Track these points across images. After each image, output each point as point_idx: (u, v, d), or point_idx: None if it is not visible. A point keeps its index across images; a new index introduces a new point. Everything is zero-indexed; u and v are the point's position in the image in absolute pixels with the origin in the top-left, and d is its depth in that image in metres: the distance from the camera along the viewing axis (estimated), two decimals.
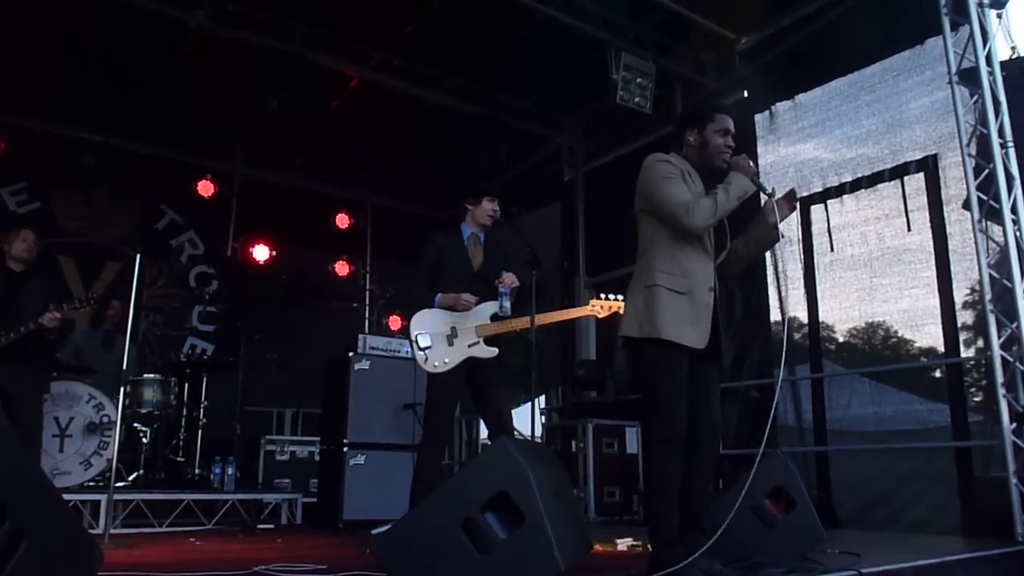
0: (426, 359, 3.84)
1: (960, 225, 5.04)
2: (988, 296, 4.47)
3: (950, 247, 5.12)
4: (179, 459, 6.10)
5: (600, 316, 3.98)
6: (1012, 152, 4.57)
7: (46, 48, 6.65)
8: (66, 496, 4.57)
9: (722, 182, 2.79)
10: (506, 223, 4.18)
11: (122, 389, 4.21)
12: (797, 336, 6.00)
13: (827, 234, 5.86)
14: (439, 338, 3.87)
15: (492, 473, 2.39)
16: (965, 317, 5.10)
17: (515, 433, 4.07)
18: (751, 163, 2.86)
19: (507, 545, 2.30)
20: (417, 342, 3.87)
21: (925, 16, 4.98)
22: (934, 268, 5.20)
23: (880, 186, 5.59)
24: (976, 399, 5.08)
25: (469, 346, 3.88)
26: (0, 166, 7.23)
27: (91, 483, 5.12)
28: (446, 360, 3.84)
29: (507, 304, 3.91)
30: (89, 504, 4.85)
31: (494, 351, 3.89)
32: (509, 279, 3.93)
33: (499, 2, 5.89)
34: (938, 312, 5.17)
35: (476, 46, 6.82)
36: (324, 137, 8.08)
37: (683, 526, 2.65)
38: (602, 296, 3.98)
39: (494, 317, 3.92)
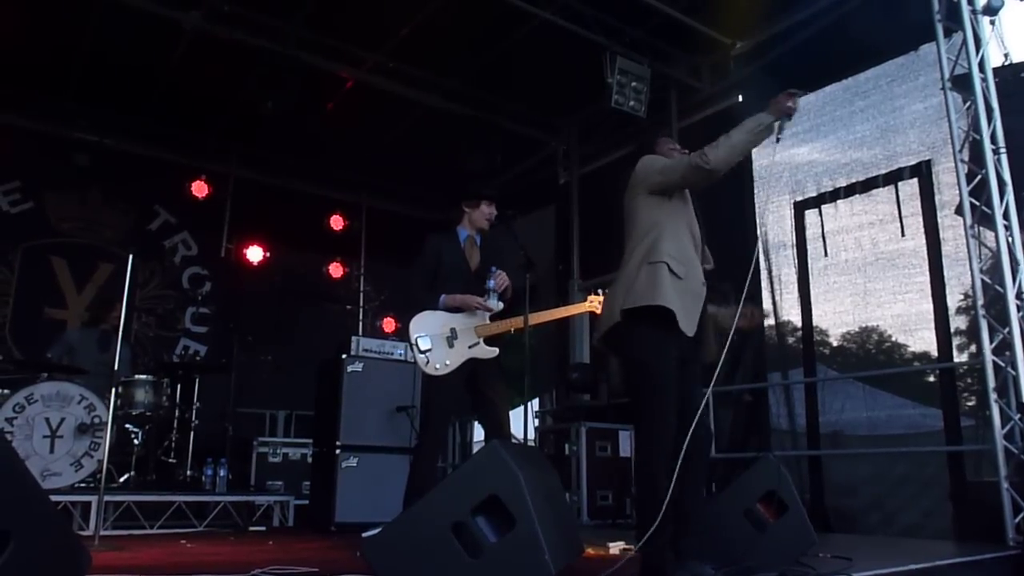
0: (427, 361, 3.78)
1: (953, 230, 5.06)
2: (980, 301, 4.48)
3: (943, 252, 5.14)
4: (171, 460, 6.05)
5: (598, 312, 3.94)
6: (1004, 158, 4.59)
7: (40, 47, 6.63)
8: (56, 497, 4.55)
9: None
10: (500, 226, 4.17)
11: (114, 390, 4.18)
12: (791, 340, 6.00)
13: (821, 239, 5.87)
14: (439, 340, 3.82)
15: (483, 476, 2.38)
16: (958, 322, 5.12)
17: (512, 438, 4.04)
18: (794, 102, 2.79)
19: (497, 549, 2.29)
20: (417, 344, 3.81)
21: (919, 22, 5.00)
22: (928, 273, 5.22)
23: (874, 191, 5.61)
24: (969, 404, 5.09)
25: (470, 347, 3.84)
26: None
27: (82, 484, 5.08)
28: (447, 362, 3.79)
29: (494, 301, 3.90)
30: (80, 505, 4.81)
31: (495, 351, 3.86)
32: (501, 279, 3.92)
33: (495, 5, 5.90)
34: (931, 317, 5.18)
35: (472, 49, 6.82)
36: (319, 139, 8.07)
37: (674, 529, 2.64)
38: (600, 292, 3.94)
39: (493, 317, 3.91)
